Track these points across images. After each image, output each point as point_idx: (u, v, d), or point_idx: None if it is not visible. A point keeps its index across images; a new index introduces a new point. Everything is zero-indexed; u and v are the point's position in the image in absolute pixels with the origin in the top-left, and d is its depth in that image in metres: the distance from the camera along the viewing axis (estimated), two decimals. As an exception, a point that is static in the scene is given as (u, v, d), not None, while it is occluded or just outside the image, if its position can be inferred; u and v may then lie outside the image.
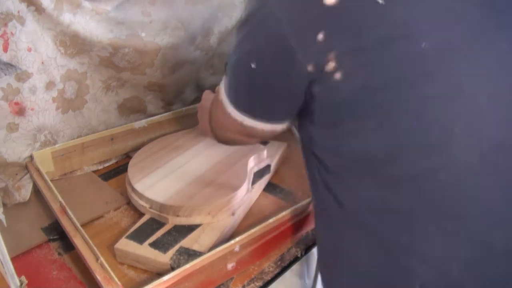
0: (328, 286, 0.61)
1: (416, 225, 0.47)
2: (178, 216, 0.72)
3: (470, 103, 0.43)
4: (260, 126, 0.57)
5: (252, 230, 0.65)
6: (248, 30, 0.51)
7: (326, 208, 0.56)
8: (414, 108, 0.44)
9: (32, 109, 0.81)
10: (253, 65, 0.50)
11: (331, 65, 0.44)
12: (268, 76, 0.51)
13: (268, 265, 0.69)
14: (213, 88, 1.18)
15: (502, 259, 0.47)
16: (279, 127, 0.58)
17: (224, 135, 0.65)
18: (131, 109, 1.02)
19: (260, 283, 0.66)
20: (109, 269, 0.57)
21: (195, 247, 0.67)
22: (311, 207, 0.74)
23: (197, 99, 1.13)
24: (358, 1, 0.43)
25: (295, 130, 0.89)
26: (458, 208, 0.46)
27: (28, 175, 0.84)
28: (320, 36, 0.43)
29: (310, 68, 0.46)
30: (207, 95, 0.84)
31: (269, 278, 0.67)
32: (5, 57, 0.74)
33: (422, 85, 0.43)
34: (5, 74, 0.75)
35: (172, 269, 0.62)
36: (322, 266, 0.63)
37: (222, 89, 0.59)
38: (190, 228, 0.71)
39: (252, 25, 0.50)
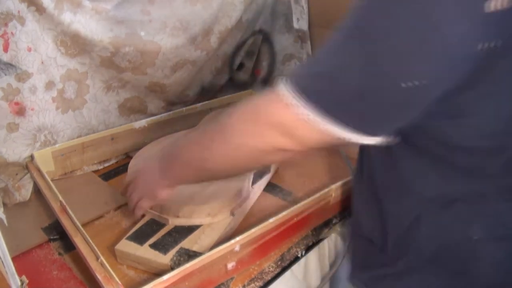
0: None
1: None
2: (178, 217, 0.72)
3: None
4: (367, 141, 0.46)
5: (252, 230, 0.65)
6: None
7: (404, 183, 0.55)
8: None
9: (32, 109, 0.81)
10: (403, 84, 0.40)
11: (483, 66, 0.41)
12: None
13: (268, 265, 0.69)
14: (214, 88, 1.18)
15: None
16: (371, 140, 0.47)
17: (253, 161, 0.52)
18: (131, 109, 1.02)
19: (260, 283, 0.66)
20: (109, 268, 0.57)
21: (195, 248, 0.67)
22: (310, 207, 0.74)
23: (198, 99, 1.14)
24: None
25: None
26: None
27: (28, 175, 0.84)
28: (480, 46, 0.39)
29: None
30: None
31: (269, 278, 0.68)
32: (5, 57, 0.74)
33: None
34: (5, 74, 0.76)
35: (173, 270, 0.62)
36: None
37: (294, 98, 0.45)
38: (190, 229, 0.71)
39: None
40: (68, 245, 0.71)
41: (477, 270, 0.54)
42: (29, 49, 0.77)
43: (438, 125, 0.47)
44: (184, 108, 1.07)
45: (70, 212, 0.68)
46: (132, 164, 0.84)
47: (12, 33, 0.74)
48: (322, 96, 0.44)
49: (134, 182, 0.70)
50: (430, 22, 0.38)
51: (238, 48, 1.16)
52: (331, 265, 0.82)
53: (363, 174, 0.62)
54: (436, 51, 0.39)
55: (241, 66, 1.22)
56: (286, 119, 0.46)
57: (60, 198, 0.72)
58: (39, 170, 0.82)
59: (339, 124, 0.44)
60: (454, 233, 0.54)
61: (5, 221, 0.69)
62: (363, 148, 0.61)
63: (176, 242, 0.68)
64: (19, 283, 0.53)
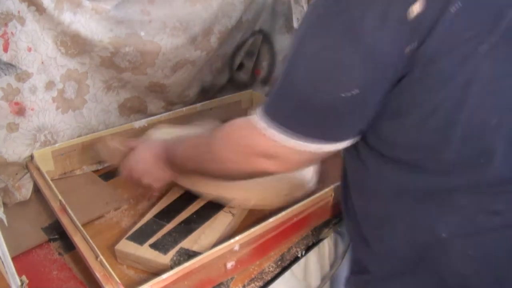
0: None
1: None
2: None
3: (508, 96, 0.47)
4: (328, 149, 0.52)
5: (252, 230, 0.65)
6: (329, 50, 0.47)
7: (366, 184, 0.58)
8: (470, 104, 0.46)
9: (32, 109, 0.82)
10: (354, 92, 0.46)
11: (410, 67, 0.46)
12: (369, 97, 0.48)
13: (268, 265, 0.69)
14: (214, 88, 1.18)
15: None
16: (339, 146, 0.53)
17: (237, 165, 0.57)
18: (131, 109, 1.02)
19: (260, 283, 0.66)
20: (108, 267, 0.57)
21: (195, 248, 0.67)
22: (310, 207, 0.74)
23: (199, 99, 1.14)
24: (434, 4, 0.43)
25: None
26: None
27: (28, 175, 0.84)
28: (407, 49, 0.45)
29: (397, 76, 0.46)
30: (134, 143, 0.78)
31: (269, 278, 0.68)
32: (5, 57, 0.74)
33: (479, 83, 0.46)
34: (5, 74, 0.76)
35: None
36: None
37: (257, 113, 0.52)
38: (190, 229, 0.71)
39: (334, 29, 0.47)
40: (68, 245, 0.71)
41: (449, 269, 0.54)
42: (29, 49, 0.77)
43: (383, 125, 0.51)
44: (184, 108, 1.07)
45: (70, 212, 0.68)
46: None
47: (12, 33, 0.74)
48: (290, 120, 0.50)
49: (135, 169, 0.73)
50: (355, 36, 0.44)
51: (238, 48, 1.16)
52: (331, 265, 0.82)
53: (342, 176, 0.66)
54: (364, 60, 0.45)
55: (241, 66, 1.22)
56: (268, 146, 0.52)
57: (60, 197, 0.72)
58: (38, 170, 0.82)
59: (311, 141, 0.50)
60: (423, 232, 0.54)
61: (5, 221, 0.69)
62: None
63: (176, 242, 0.68)
64: (19, 283, 0.53)
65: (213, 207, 0.76)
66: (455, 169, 0.51)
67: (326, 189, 0.76)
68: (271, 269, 0.69)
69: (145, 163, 0.71)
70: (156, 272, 0.64)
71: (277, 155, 0.52)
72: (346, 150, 0.56)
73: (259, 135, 0.52)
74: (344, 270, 0.83)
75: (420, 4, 0.42)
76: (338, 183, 0.76)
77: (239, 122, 0.57)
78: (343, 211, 0.67)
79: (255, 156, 0.53)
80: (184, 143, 0.66)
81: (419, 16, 0.42)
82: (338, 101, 0.47)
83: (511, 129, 0.48)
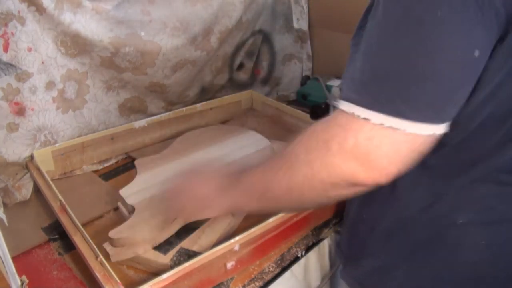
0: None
1: None
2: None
3: None
4: (434, 130, 0.42)
5: (252, 230, 0.65)
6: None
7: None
8: None
9: (32, 109, 0.82)
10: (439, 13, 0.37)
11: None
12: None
13: (268, 265, 0.69)
14: (214, 88, 1.18)
15: None
16: (443, 128, 0.44)
17: (321, 197, 0.49)
18: (131, 109, 1.02)
19: (260, 283, 0.66)
20: (108, 267, 0.57)
21: (195, 248, 0.67)
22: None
23: (199, 99, 1.14)
24: None
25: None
26: None
27: (28, 175, 0.84)
28: None
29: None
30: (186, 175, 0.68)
31: (269, 278, 0.68)
32: (6, 57, 0.74)
33: None
34: (5, 74, 0.76)
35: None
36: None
37: (362, 113, 0.42)
38: (190, 229, 0.71)
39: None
40: (68, 245, 0.71)
41: (462, 257, 0.53)
42: (29, 49, 0.78)
43: None
44: (184, 108, 1.07)
45: (70, 211, 0.68)
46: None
47: (12, 33, 0.74)
48: (391, 99, 0.41)
49: (178, 192, 0.65)
50: None
51: (238, 48, 1.16)
52: (331, 265, 0.82)
53: None
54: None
55: (241, 66, 1.22)
56: (359, 138, 0.42)
57: (60, 197, 0.72)
58: (39, 170, 0.82)
59: (420, 120, 0.41)
60: (440, 218, 0.53)
61: (5, 221, 0.70)
62: None
63: (176, 242, 0.68)
64: (19, 283, 0.53)
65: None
66: (488, 154, 0.47)
67: (326, 189, 0.76)
68: (271, 269, 0.69)
69: (193, 185, 0.63)
70: (156, 272, 0.64)
71: (371, 153, 0.42)
72: None
73: (351, 124, 0.42)
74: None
75: None
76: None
77: (320, 123, 0.47)
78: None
79: (342, 154, 0.43)
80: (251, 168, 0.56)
81: None
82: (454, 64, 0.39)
83: None
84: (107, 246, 0.66)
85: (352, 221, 0.65)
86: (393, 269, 0.59)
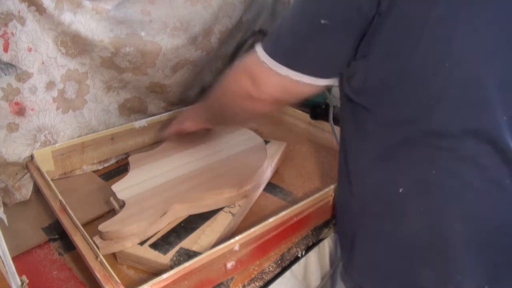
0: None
1: None
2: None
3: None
4: (317, 82, 0.58)
5: (252, 230, 0.65)
6: None
7: (350, 139, 0.65)
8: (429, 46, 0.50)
9: (32, 109, 0.82)
10: (322, 21, 0.53)
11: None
12: (335, 29, 0.53)
13: (268, 265, 0.69)
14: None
15: None
16: (326, 82, 0.59)
17: (234, 103, 0.66)
18: (131, 109, 1.02)
19: (260, 283, 0.66)
20: (108, 267, 0.57)
21: (195, 248, 0.67)
22: (310, 207, 0.74)
23: (199, 100, 1.13)
24: None
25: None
26: None
27: (28, 174, 0.84)
28: None
29: (370, 12, 0.51)
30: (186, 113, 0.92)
31: (269, 278, 0.68)
32: (6, 57, 0.74)
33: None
34: (5, 74, 0.76)
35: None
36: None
37: (260, 52, 0.59)
38: (190, 229, 0.71)
39: None
40: (68, 245, 0.71)
41: (407, 226, 0.59)
42: (29, 49, 0.78)
43: (358, 67, 0.56)
44: (184, 108, 1.07)
45: (70, 211, 0.68)
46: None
47: (12, 33, 0.74)
48: (275, 48, 0.59)
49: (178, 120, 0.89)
50: None
51: (238, 48, 1.16)
52: (331, 265, 0.82)
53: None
54: None
55: (241, 66, 1.22)
56: (251, 65, 0.61)
57: (60, 197, 0.72)
58: (39, 170, 0.82)
59: (291, 68, 0.57)
60: (385, 187, 0.59)
61: (5, 221, 0.69)
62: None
63: (176, 242, 0.68)
64: (19, 283, 0.53)
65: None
66: (417, 117, 0.53)
67: (326, 189, 0.76)
68: (271, 269, 0.69)
69: (188, 112, 0.88)
70: (156, 272, 0.65)
71: (257, 76, 0.60)
72: (341, 109, 0.65)
73: (252, 57, 0.60)
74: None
75: None
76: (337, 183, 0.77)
77: (244, 58, 0.64)
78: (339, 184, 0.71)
79: (242, 72, 0.63)
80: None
81: None
82: (316, 28, 0.54)
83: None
84: (96, 239, 0.66)
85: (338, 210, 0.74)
86: (353, 244, 0.65)
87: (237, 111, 0.68)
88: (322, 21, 0.52)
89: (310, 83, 0.58)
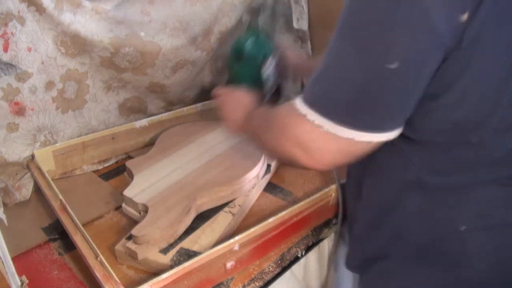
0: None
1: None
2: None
3: None
4: (376, 138, 0.48)
5: (252, 230, 0.65)
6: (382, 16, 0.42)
7: (384, 168, 0.57)
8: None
9: (32, 109, 0.82)
10: (393, 65, 0.42)
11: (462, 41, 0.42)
12: (413, 70, 0.43)
13: (268, 265, 0.69)
14: (215, 87, 1.17)
15: None
16: (394, 134, 0.49)
17: (287, 162, 0.56)
18: (131, 109, 1.02)
19: (260, 283, 0.66)
20: (108, 266, 0.57)
21: (195, 248, 0.67)
22: (310, 207, 0.74)
23: (199, 100, 1.14)
24: None
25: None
26: None
27: (28, 174, 0.84)
28: (465, 16, 0.40)
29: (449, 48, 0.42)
30: (227, 91, 0.84)
31: (269, 278, 0.68)
32: (5, 57, 0.74)
33: None
34: (5, 74, 0.76)
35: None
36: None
37: (302, 105, 0.49)
38: (191, 229, 0.71)
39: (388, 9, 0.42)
40: (68, 245, 0.71)
41: (466, 263, 0.53)
42: (29, 49, 0.78)
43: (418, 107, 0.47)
44: (185, 108, 1.07)
45: (70, 211, 0.68)
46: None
47: (12, 33, 0.74)
48: (331, 105, 0.47)
49: (225, 101, 0.81)
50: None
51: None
52: (331, 265, 0.82)
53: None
54: (419, 25, 0.40)
55: (241, 66, 1.22)
56: (300, 132, 0.50)
57: (60, 197, 0.72)
58: (39, 169, 0.82)
59: (355, 128, 0.46)
60: (440, 223, 0.53)
61: (5, 221, 0.70)
62: None
63: (176, 242, 0.68)
64: (19, 283, 0.53)
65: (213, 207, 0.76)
66: (485, 158, 0.49)
67: (326, 189, 0.76)
68: (271, 269, 0.69)
69: (235, 106, 0.77)
70: (156, 272, 0.64)
71: (309, 145, 0.50)
72: None
73: (297, 118, 0.50)
74: (344, 270, 0.83)
75: None
76: (338, 183, 0.77)
77: (282, 107, 0.55)
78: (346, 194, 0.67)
79: (287, 139, 0.52)
80: (257, 112, 0.69)
81: None
82: (383, 74, 0.43)
83: None
84: (131, 244, 0.66)
85: (364, 226, 0.65)
86: (398, 269, 0.59)
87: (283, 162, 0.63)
88: (392, 66, 0.42)
89: (378, 141, 0.48)
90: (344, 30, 0.45)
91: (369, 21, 0.43)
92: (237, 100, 0.78)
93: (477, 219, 0.52)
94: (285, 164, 0.65)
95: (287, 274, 0.71)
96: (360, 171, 0.62)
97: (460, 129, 0.48)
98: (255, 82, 0.73)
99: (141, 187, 0.76)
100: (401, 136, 0.50)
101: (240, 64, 0.91)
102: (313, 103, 0.48)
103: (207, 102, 1.11)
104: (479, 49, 0.42)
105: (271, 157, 0.65)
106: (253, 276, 0.67)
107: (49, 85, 0.84)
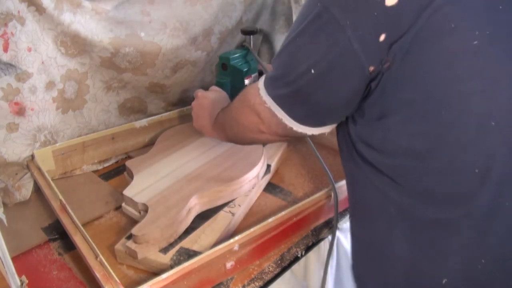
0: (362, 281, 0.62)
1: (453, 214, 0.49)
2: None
3: (505, 97, 0.45)
4: (310, 132, 0.57)
5: (252, 229, 0.65)
6: (307, 36, 0.50)
7: (367, 204, 0.57)
8: (457, 103, 0.45)
9: (32, 109, 0.82)
10: (313, 71, 0.49)
11: (388, 61, 0.45)
12: (330, 82, 0.50)
13: (268, 265, 0.69)
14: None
15: None
16: (327, 129, 0.58)
17: (246, 135, 0.66)
18: (131, 109, 1.02)
19: (260, 283, 0.66)
20: (108, 267, 0.57)
21: (196, 247, 0.67)
22: (310, 207, 0.74)
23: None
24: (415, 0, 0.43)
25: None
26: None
27: (28, 174, 0.84)
28: (382, 37, 0.44)
29: (372, 68, 0.46)
30: (203, 93, 0.88)
31: (269, 278, 0.67)
32: (5, 57, 0.74)
33: (464, 81, 0.44)
34: (5, 74, 0.76)
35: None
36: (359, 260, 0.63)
37: (261, 90, 0.58)
38: (191, 229, 0.71)
39: (312, 31, 0.49)
40: (68, 245, 0.71)
41: None
42: (29, 49, 0.78)
43: (371, 128, 0.51)
44: (185, 108, 1.07)
45: (70, 211, 0.68)
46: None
47: (12, 33, 0.74)
48: (274, 93, 0.56)
49: (197, 109, 0.87)
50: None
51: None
52: (331, 265, 0.82)
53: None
54: (332, 40, 0.47)
55: (241, 66, 1.22)
56: (256, 103, 0.59)
57: (60, 197, 0.72)
58: (39, 169, 0.82)
59: (287, 114, 0.56)
60: (424, 278, 0.52)
61: (5, 221, 0.70)
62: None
63: (176, 242, 0.68)
64: (19, 283, 0.53)
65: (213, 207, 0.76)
66: (449, 191, 0.48)
67: (326, 189, 0.76)
68: (271, 269, 0.69)
69: (204, 111, 0.85)
70: (156, 271, 0.65)
71: (261, 114, 0.59)
72: (345, 165, 0.60)
73: (256, 93, 0.59)
74: (344, 270, 0.83)
75: None
76: (338, 183, 0.77)
77: (249, 86, 0.64)
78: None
79: (249, 107, 0.61)
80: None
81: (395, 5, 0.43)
82: (304, 78, 0.50)
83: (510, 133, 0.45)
84: (131, 244, 0.65)
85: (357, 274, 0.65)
86: None
87: (247, 140, 0.69)
88: (312, 71, 0.49)
89: (302, 132, 0.57)
90: (291, 31, 0.53)
91: (301, 33, 0.50)
92: (208, 105, 0.85)
93: (458, 271, 0.50)
94: (250, 142, 0.70)
95: (287, 274, 0.71)
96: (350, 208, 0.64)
97: (415, 153, 0.48)
98: (238, 91, 0.76)
99: (141, 187, 0.76)
100: (375, 170, 0.53)
101: (225, 72, 0.96)
102: (266, 83, 0.58)
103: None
104: (412, 67, 0.45)
105: (240, 138, 0.69)
106: (253, 276, 0.67)
107: (49, 85, 0.84)
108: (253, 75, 0.97)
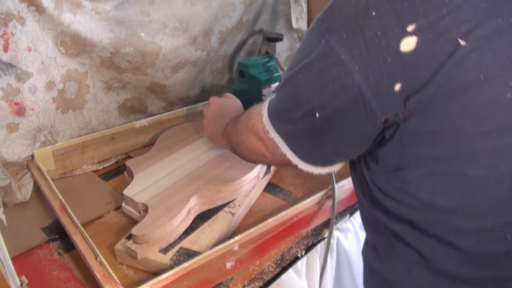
0: None
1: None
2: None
3: None
4: (316, 171, 0.54)
5: (251, 230, 0.65)
6: (312, 75, 0.45)
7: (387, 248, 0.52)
8: (486, 159, 0.40)
9: (32, 109, 0.82)
10: (317, 115, 0.45)
11: (405, 113, 0.41)
12: (337, 127, 0.46)
13: (268, 265, 0.69)
14: (214, 88, 1.18)
15: None
16: (335, 168, 0.55)
17: (250, 157, 0.64)
18: (131, 109, 1.02)
19: (260, 283, 0.66)
20: (108, 267, 0.57)
21: (195, 247, 0.67)
22: (310, 207, 0.74)
23: (199, 100, 1.14)
24: (436, 44, 0.38)
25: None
26: None
27: (28, 174, 0.84)
28: (398, 87, 0.39)
29: (384, 118, 0.42)
30: (215, 100, 0.86)
31: (269, 278, 0.67)
32: (5, 57, 0.74)
33: (495, 136, 0.40)
34: (5, 74, 0.76)
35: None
36: None
37: (265, 117, 0.54)
38: (190, 229, 0.71)
39: (316, 70, 0.44)
40: (68, 245, 0.71)
41: None
42: (29, 49, 0.78)
43: (390, 177, 0.46)
44: (185, 108, 1.07)
45: (70, 211, 0.68)
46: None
47: (12, 33, 0.74)
48: (278, 126, 0.53)
49: (208, 116, 0.85)
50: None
51: (238, 48, 1.16)
52: (331, 265, 0.82)
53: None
54: (338, 82, 0.42)
55: (241, 66, 1.22)
56: (259, 130, 0.56)
57: (60, 197, 0.72)
58: (39, 169, 0.82)
59: (291, 151, 0.52)
60: None
61: (5, 221, 0.70)
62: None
63: (176, 242, 0.68)
64: (19, 283, 0.53)
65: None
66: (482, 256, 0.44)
67: (326, 189, 0.76)
68: (271, 269, 0.69)
69: (213, 118, 0.83)
70: (156, 271, 0.65)
71: (265, 141, 0.56)
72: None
73: (260, 119, 0.56)
74: (344, 270, 0.83)
75: (413, 40, 0.38)
76: (338, 183, 0.77)
77: (254, 107, 0.61)
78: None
79: (252, 132, 0.58)
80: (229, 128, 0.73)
81: (414, 52, 0.38)
82: (306, 119, 0.47)
83: None
84: (130, 244, 0.65)
85: None
86: None
87: (252, 161, 0.67)
88: (317, 115, 0.45)
89: (307, 171, 0.54)
90: (295, 61, 0.48)
91: (303, 72, 0.46)
92: (218, 112, 0.83)
93: None
94: (254, 163, 0.69)
95: (287, 274, 0.71)
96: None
97: (438, 209, 0.44)
98: (254, 101, 0.75)
99: (141, 187, 0.76)
100: (397, 222, 0.48)
101: (242, 80, 0.91)
102: (268, 109, 0.54)
103: (207, 102, 1.10)
104: (433, 121, 0.40)
105: (244, 157, 0.67)
106: (253, 276, 0.67)
107: (49, 85, 0.84)
108: (273, 85, 0.91)
